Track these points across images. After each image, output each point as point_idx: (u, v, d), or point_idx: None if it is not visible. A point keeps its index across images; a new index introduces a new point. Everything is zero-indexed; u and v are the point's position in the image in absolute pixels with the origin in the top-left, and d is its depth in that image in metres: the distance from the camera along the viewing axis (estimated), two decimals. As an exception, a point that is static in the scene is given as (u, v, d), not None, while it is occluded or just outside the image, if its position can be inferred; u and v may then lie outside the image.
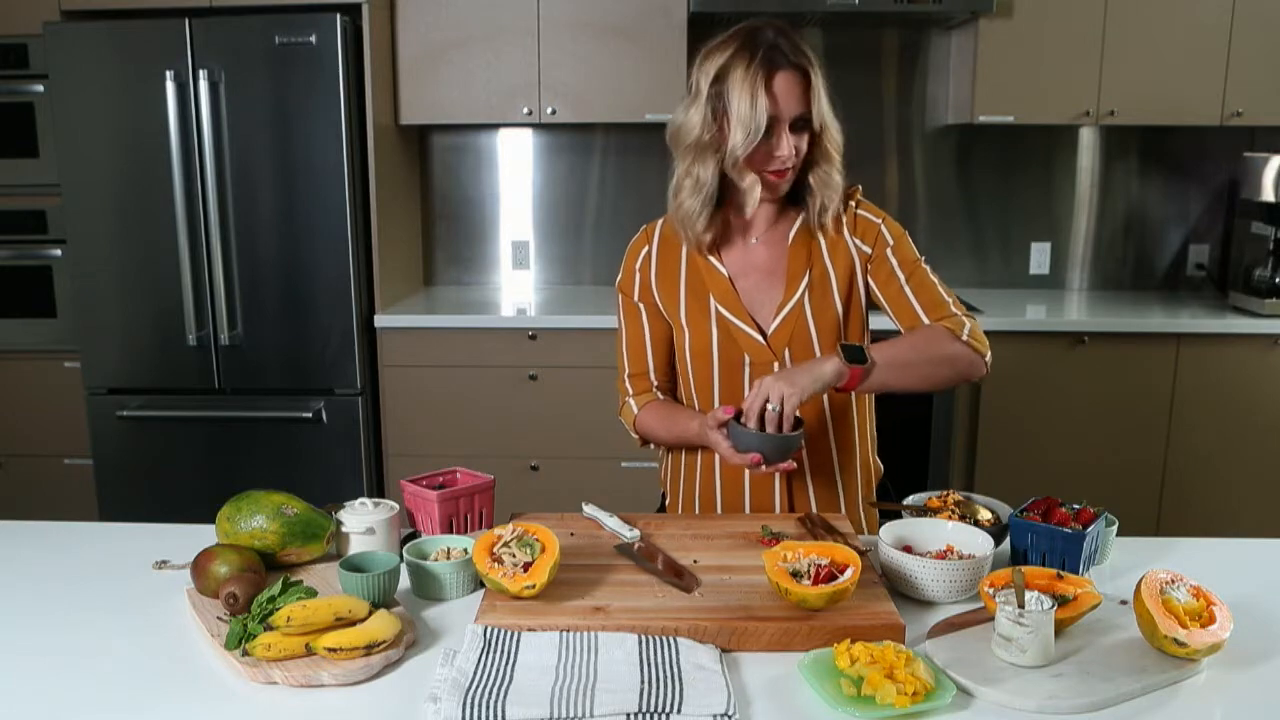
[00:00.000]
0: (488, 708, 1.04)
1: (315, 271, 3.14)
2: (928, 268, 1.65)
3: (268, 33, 2.99)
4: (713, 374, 1.66)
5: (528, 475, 3.34)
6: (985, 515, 1.51)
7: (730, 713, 1.05)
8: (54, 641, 1.24)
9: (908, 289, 1.63)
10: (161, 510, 3.18)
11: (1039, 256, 3.80)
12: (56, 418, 3.41)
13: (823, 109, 1.55)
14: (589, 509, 1.57)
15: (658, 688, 1.08)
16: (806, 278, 1.63)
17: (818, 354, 1.62)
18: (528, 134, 3.78)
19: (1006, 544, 1.46)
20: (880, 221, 1.66)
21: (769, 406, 1.44)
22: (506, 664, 1.14)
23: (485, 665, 1.13)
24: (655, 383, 1.74)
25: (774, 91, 1.52)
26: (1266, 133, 3.61)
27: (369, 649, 1.15)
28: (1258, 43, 3.27)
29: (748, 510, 1.69)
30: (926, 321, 1.61)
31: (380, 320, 3.26)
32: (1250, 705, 1.11)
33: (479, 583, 1.35)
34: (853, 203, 1.67)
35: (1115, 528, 1.48)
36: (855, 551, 1.30)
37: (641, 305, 1.72)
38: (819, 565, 1.27)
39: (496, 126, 3.76)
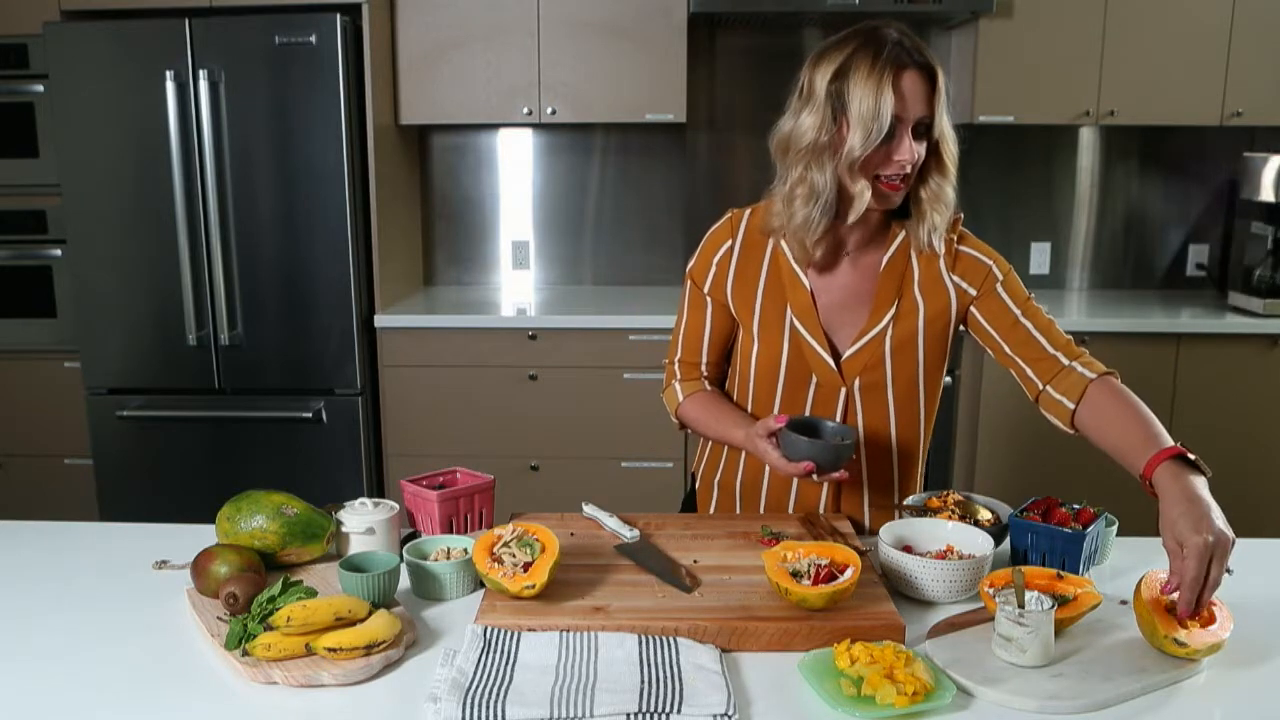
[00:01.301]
0: (488, 708, 1.04)
1: (315, 271, 3.14)
2: (1040, 306, 1.60)
3: (268, 33, 2.99)
4: (776, 389, 1.61)
5: (528, 475, 3.34)
6: (985, 515, 1.51)
7: (730, 713, 1.05)
8: (54, 641, 1.24)
9: (1025, 320, 1.56)
10: (161, 510, 3.17)
11: (1039, 256, 3.80)
12: (56, 418, 3.41)
13: (944, 116, 1.47)
14: (589, 509, 1.57)
15: (658, 688, 1.08)
16: (894, 308, 1.57)
17: (889, 388, 1.58)
18: (528, 134, 3.78)
19: (1006, 544, 1.46)
20: (991, 263, 1.58)
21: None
22: (506, 664, 1.14)
23: (485, 665, 1.13)
24: (706, 374, 1.70)
25: (900, 89, 1.42)
26: (1266, 133, 3.61)
27: (369, 649, 1.15)
28: (1258, 43, 3.27)
29: (791, 511, 1.67)
30: (1052, 351, 1.55)
31: (380, 320, 3.26)
32: (1250, 705, 1.11)
33: (479, 583, 1.35)
34: (954, 235, 1.58)
35: (1115, 528, 1.48)
36: (855, 551, 1.30)
37: (710, 299, 1.65)
38: (819, 565, 1.27)
39: (496, 126, 3.76)
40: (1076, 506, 1.45)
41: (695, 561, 1.39)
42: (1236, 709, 1.11)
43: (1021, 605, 1.17)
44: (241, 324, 3.17)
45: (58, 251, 3.34)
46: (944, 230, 1.55)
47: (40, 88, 3.23)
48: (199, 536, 1.49)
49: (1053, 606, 1.17)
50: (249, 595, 1.23)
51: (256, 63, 3.01)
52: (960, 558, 1.35)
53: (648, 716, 1.04)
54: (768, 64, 3.61)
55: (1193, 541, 1.16)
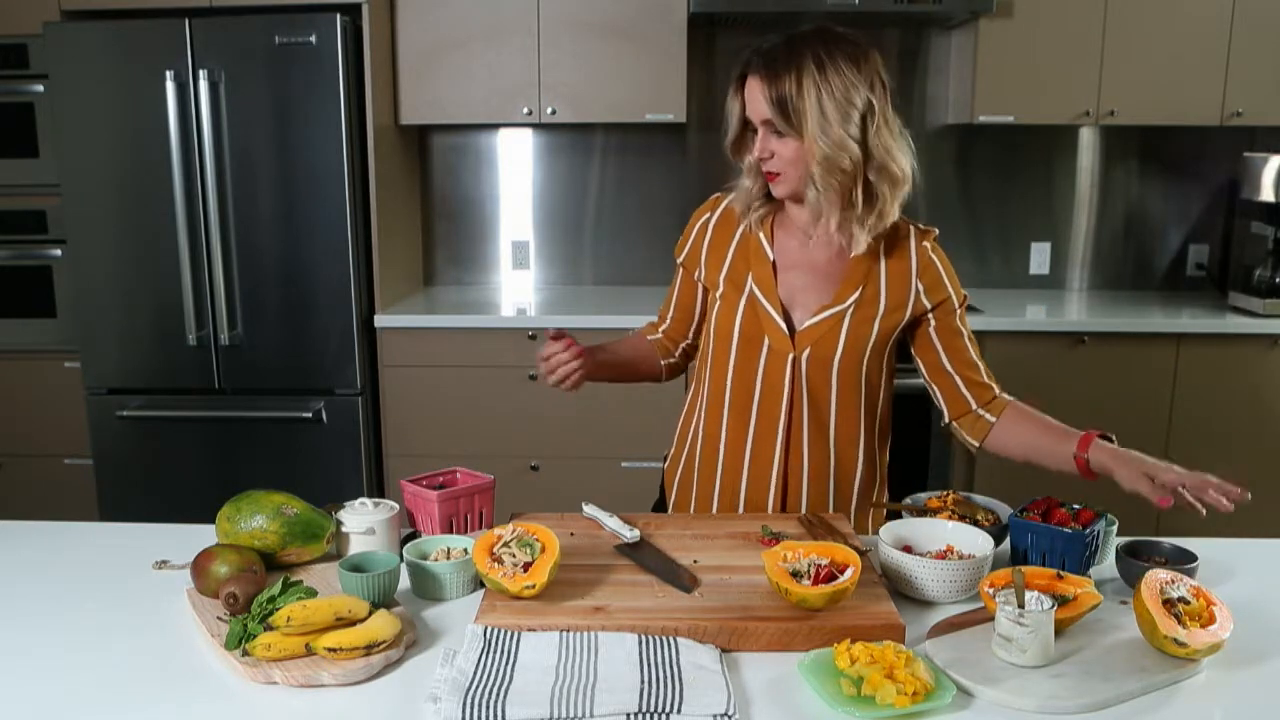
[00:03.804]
0: (488, 708, 1.04)
1: (315, 271, 3.14)
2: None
3: (268, 33, 2.99)
4: (730, 350, 1.67)
5: (528, 475, 3.34)
6: (985, 515, 1.51)
7: (730, 713, 1.05)
8: (54, 641, 1.24)
9: (969, 346, 1.68)
10: (161, 510, 3.18)
11: (1039, 256, 3.80)
12: (56, 418, 3.41)
13: (804, 122, 1.50)
14: (589, 509, 1.57)
15: (658, 688, 1.08)
16: (858, 293, 1.63)
17: (837, 365, 1.62)
18: (528, 134, 3.78)
19: (1006, 544, 1.46)
20: (952, 290, 1.66)
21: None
22: (506, 664, 1.14)
23: (485, 665, 1.13)
24: (667, 329, 1.84)
25: (744, 94, 1.57)
26: (1266, 133, 3.61)
27: (369, 649, 1.15)
28: (1258, 43, 3.27)
29: (741, 509, 1.70)
30: (987, 380, 1.68)
31: (380, 320, 3.26)
32: (1250, 705, 1.11)
33: (479, 583, 1.35)
34: (927, 244, 1.66)
35: (1115, 528, 1.48)
36: (855, 551, 1.30)
37: (682, 268, 1.79)
38: (819, 565, 1.27)
39: (496, 126, 3.76)
40: (1076, 506, 1.45)
41: (695, 561, 1.39)
42: (1236, 709, 1.11)
43: (1021, 605, 1.17)
44: (241, 324, 3.17)
45: (58, 251, 3.34)
46: (839, 227, 1.60)
47: (40, 88, 3.23)
48: (199, 536, 1.49)
49: (1053, 606, 1.17)
50: (249, 595, 1.24)
51: (256, 63, 3.01)
52: (960, 558, 1.35)
53: (648, 716, 1.04)
54: (768, 64, 3.61)
55: (1174, 472, 1.39)
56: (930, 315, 1.66)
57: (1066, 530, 1.38)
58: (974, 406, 1.66)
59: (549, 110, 3.39)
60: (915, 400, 3.22)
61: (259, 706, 1.10)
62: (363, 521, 1.43)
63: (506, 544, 1.32)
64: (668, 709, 1.05)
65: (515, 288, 3.87)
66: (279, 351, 3.19)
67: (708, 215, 1.74)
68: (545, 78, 3.37)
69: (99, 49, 3.03)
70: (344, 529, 1.44)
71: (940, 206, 3.76)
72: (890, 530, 1.41)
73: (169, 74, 3.00)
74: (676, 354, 1.85)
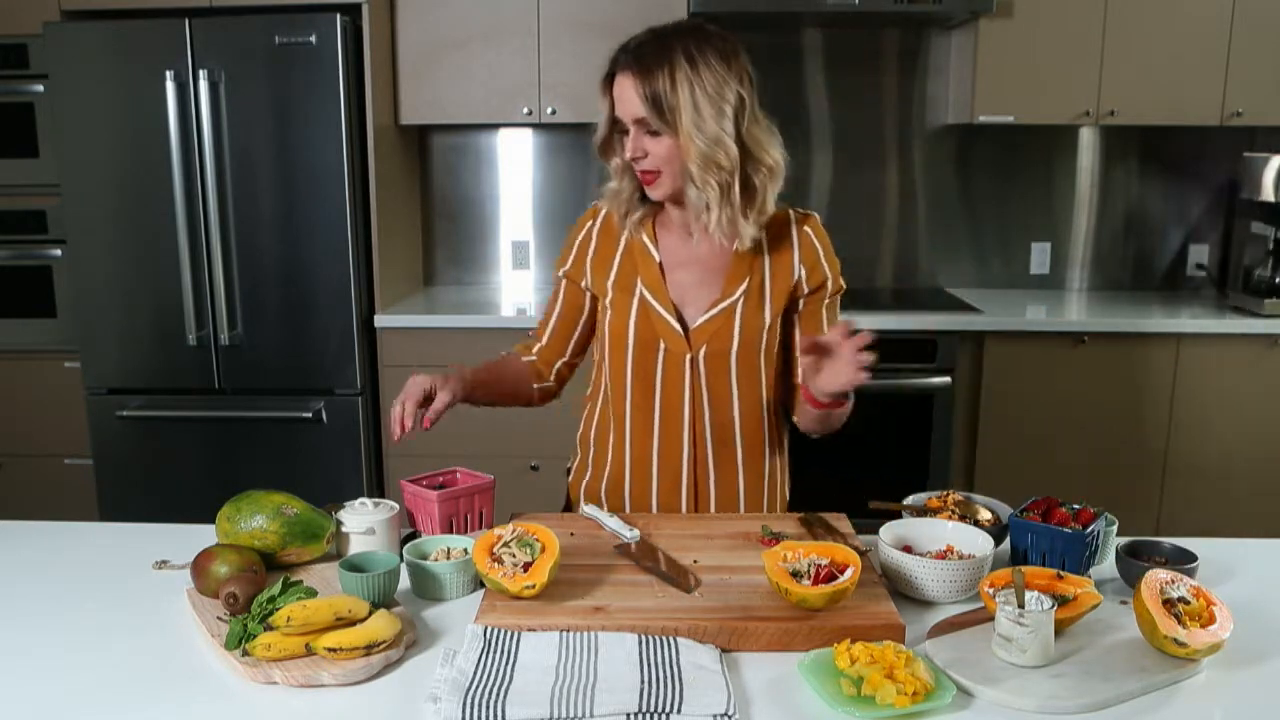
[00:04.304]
0: (488, 708, 1.04)
1: (315, 271, 3.14)
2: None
3: (268, 33, 2.99)
4: (627, 356, 1.65)
5: (528, 475, 3.34)
6: (985, 515, 1.51)
7: (730, 713, 1.05)
8: (54, 641, 1.24)
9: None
10: (161, 510, 3.17)
11: (1039, 256, 3.80)
12: (56, 418, 3.41)
13: (679, 119, 1.48)
14: (589, 509, 1.57)
15: (658, 688, 1.08)
16: (745, 284, 1.63)
17: (734, 359, 1.62)
18: (528, 134, 3.78)
19: (1006, 544, 1.46)
20: (830, 278, 1.65)
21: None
22: (506, 664, 1.14)
23: (485, 665, 1.13)
24: (540, 351, 1.77)
25: (613, 93, 1.54)
26: (1266, 133, 3.61)
27: (369, 649, 1.15)
28: (1258, 43, 3.27)
29: (655, 509, 1.69)
30: None
31: (380, 320, 3.26)
32: (1250, 705, 1.11)
33: (479, 583, 1.35)
34: (808, 228, 1.66)
35: (1115, 528, 1.48)
36: (855, 551, 1.30)
37: (566, 280, 1.73)
38: (819, 565, 1.27)
39: (496, 126, 3.76)
40: (1076, 506, 1.44)
41: (695, 561, 1.39)
42: (1236, 709, 1.11)
43: (1021, 605, 1.17)
44: (241, 324, 3.17)
45: (58, 251, 3.34)
46: (721, 224, 1.56)
47: (40, 88, 3.23)
48: (199, 536, 1.49)
49: (1053, 606, 1.17)
50: (249, 595, 1.24)
51: (256, 63, 3.01)
52: (960, 558, 1.35)
53: (648, 716, 1.04)
54: (768, 64, 3.60)
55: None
56: (803, 299, 1.65)
57: (1066, 530, 1.38)
58: None
59: (549, 110, 3.39)
60: (915, 401, 3.24)
61: (259, 706, 1.10)
62: (363, 521, 1.43)
63: (506, 544, 1.32)
64: (668, 709, 1.05)
65: (515, 288, 3.87)
66: (279, 351, 3.19)
67: (590, 223, 1.71)
68: (545, 78, 3.37)
69: (99, 49, 3.03)
70: (344, 529, 1.44)
71: (940, 206, 3.76)
72: (890, 530, 1.41)
73: (169, 74, 3.00)
74: (550, 377, 1.78)
